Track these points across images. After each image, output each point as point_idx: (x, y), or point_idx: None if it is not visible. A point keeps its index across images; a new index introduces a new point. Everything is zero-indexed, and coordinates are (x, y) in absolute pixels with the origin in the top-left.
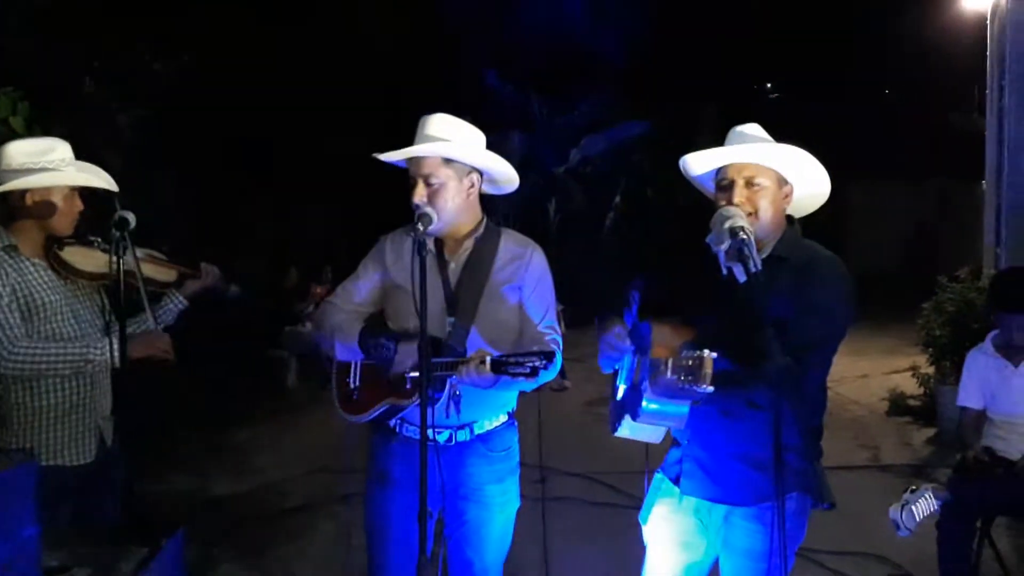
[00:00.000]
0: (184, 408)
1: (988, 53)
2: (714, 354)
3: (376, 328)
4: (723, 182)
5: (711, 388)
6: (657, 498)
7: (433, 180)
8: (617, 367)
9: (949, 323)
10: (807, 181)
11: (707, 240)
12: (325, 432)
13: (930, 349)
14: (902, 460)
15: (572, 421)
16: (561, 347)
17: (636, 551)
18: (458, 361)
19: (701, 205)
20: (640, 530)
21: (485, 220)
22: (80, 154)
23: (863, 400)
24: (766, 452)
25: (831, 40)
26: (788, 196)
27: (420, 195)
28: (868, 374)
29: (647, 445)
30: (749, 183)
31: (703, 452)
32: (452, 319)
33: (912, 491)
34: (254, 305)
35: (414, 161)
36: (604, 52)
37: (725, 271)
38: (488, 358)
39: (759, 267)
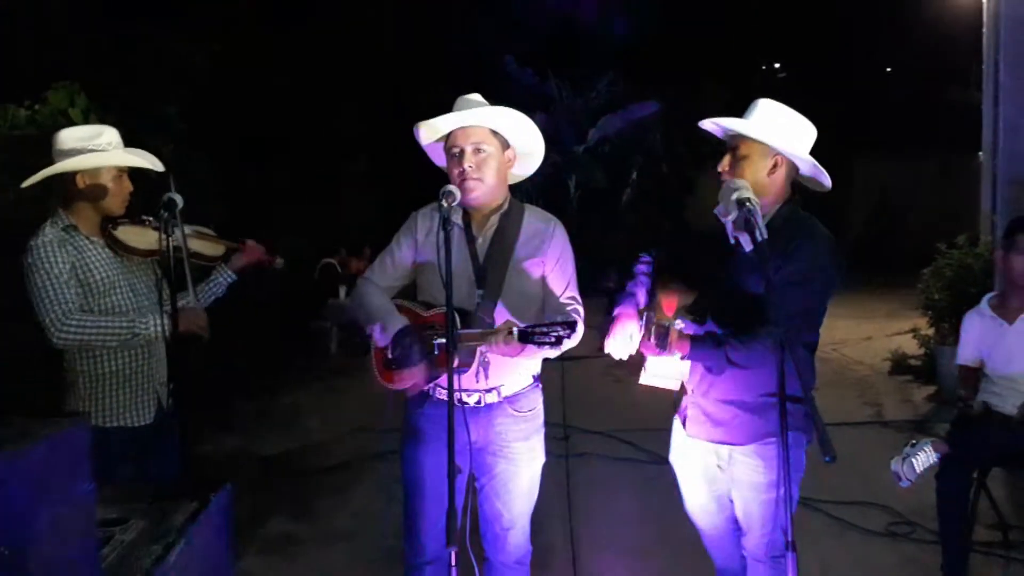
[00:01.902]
0: (236, 375)
1: (984, 32)
2: (679, 324)
3: (409, 332)
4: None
5: (677, 354)
6: (676, 439)
7: (483, 148)
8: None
9: (948, 287)
10: (806, 163)
11: (715, 211)
12: (364, 395)
13: (930, 312)
14: (903, 416)
15: (593, 384)
16: (582, 316)
17: (653, 501)
18: (487, 333)
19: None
20: (656, 482)
21: (509, 197)
22: (132, 142)
23: (867, 360)
24: (755, 398)
25: (834, 21)
26: (777, 168)
27: (470, 161)
28: (872, 336)
29: (673, 403)
30: (734, 152)
31: (703, 400)
32: (480, 291)
33: (912, 445)
34: (299, 279)
35: (461, 132)
36: (619, 35)
37: (733, 240)
38: (515, 329)
39: (765, 236)
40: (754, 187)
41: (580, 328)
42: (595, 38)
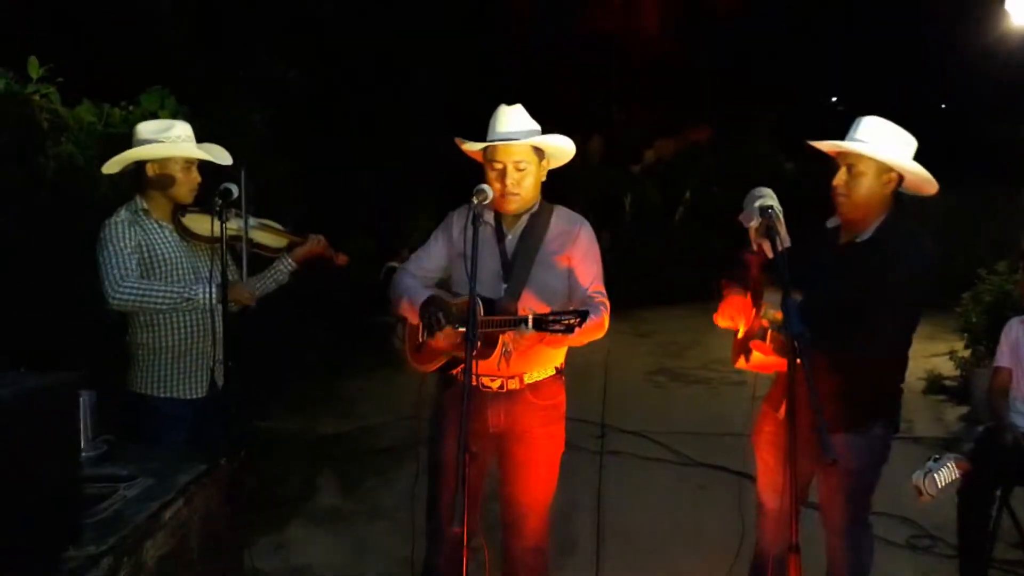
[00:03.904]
0: (306, 362)
1: None
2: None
3: (436, 302)
4: (836, 162)
5: None
6: (766, 422)
7: (523, 165)
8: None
9: (986, 311)
10: (919, 177)
11: (739, 217)
12: (417, 385)
13: (967, 334)
14: (933, 433)
15: (633, 386)
16: (608, 308)
17: (679, 500)
18: (507, 321)
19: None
20: (685, 482)
21: (540, 198)
22: (214, 141)
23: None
24: (851, 389)
25: (890, 59)
26: (890, 183)
27: (512, 177)
28: (910, 356)
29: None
30: (850, 169)
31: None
32: (506, 284)
33: (935, 460)
34: (367, 278)
35: (503, 147)
36: (677, 65)
37: (756, 247)
38: (529, 316)
39: (787, 245)
40: (868, 200)
41: (604, 319)
42: (656, 69)
